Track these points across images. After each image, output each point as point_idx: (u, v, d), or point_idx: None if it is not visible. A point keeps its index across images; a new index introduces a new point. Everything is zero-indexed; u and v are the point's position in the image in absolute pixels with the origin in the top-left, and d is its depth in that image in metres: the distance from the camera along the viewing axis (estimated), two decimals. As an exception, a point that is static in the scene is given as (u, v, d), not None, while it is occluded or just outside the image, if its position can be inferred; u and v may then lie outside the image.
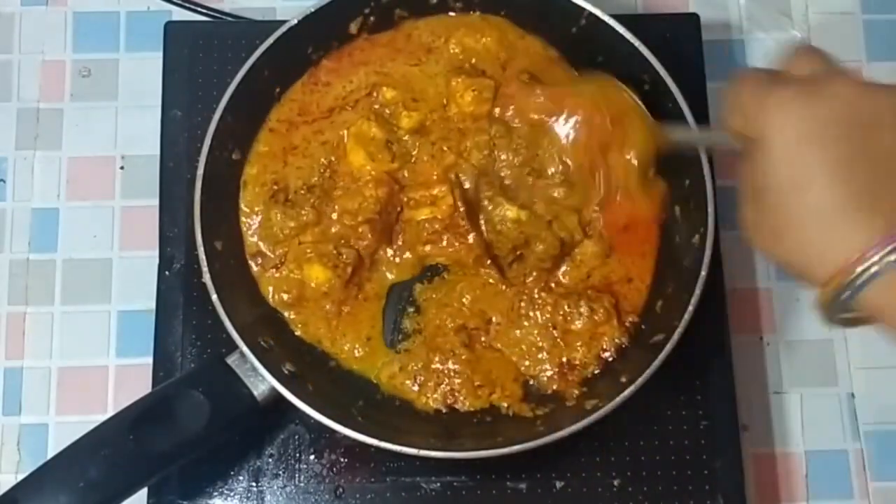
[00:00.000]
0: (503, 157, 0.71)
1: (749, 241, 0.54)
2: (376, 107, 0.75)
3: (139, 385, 0.71)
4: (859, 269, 0.48)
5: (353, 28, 0.76)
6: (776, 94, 0.51)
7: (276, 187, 0.73)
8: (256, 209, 0.73)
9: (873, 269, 0.48)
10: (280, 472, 0.72)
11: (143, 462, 0.64)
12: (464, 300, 0.73)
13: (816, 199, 0.49)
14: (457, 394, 0.71)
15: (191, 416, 0.64)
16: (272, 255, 0.73)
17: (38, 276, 0.78)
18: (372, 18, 0.76)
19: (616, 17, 0.73)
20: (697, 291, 0.67)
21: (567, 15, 0.74)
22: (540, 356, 0.71)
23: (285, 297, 0.72)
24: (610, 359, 0.71)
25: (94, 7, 0.85)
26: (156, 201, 0.77)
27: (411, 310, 0.73)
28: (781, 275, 0.80)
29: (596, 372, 0.71)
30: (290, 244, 0.73)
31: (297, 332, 0.72)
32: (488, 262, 0.72)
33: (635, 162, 0.68)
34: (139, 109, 0.81)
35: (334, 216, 0.73)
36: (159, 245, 0.76)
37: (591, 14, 0.73)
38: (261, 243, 0.73)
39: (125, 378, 0.76)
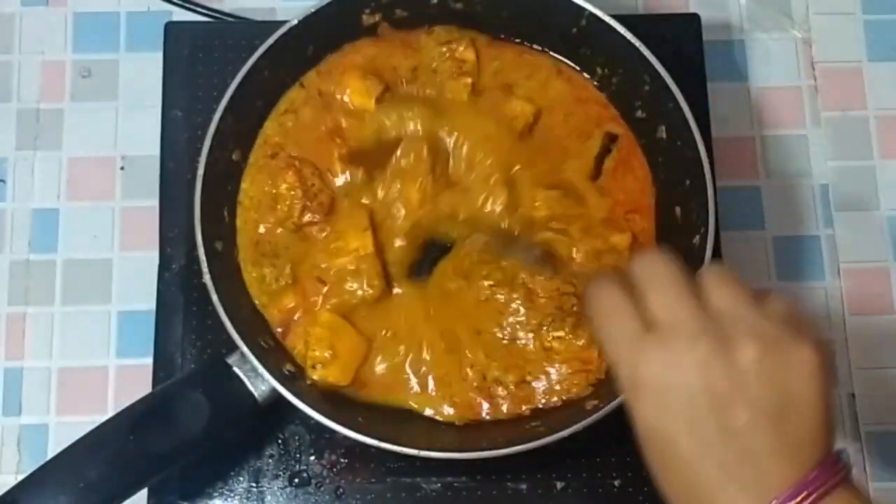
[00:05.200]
0: None
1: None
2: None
3: (139, 385, 0.71)
4: None
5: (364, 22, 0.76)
6: (651, 352, 0.50)
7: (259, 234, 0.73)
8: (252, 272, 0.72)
9: None
10: (280, 473, 0.72)
11: (143, 462, 0.64)
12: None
13: (686, 472, 0.50)
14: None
15: (191, 417, 0.64)
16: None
17: (38, 277, 0.78)
18: (371, 19, 0.76)
19: (616, 17, 0.73)
20: (698, 292, 0.67)
21: (567, 15, 0.74)
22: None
23: (323, 354, 0.70)
24: (575, 397, 0.70)
25: (94, 7, 0.84)
26: (156, 201, 0.77)
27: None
28: (781, 275, 0.80)
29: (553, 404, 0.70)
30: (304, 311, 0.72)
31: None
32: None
33: None
34: (139, 109, 0.81)
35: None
36: (159, 245, 0.76)
37: (591, 14, 0.73)
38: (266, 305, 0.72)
39: (125, 378, 0.76)
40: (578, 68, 0.77)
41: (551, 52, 0.78)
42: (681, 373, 0.49)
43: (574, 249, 0.72)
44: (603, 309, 0.53)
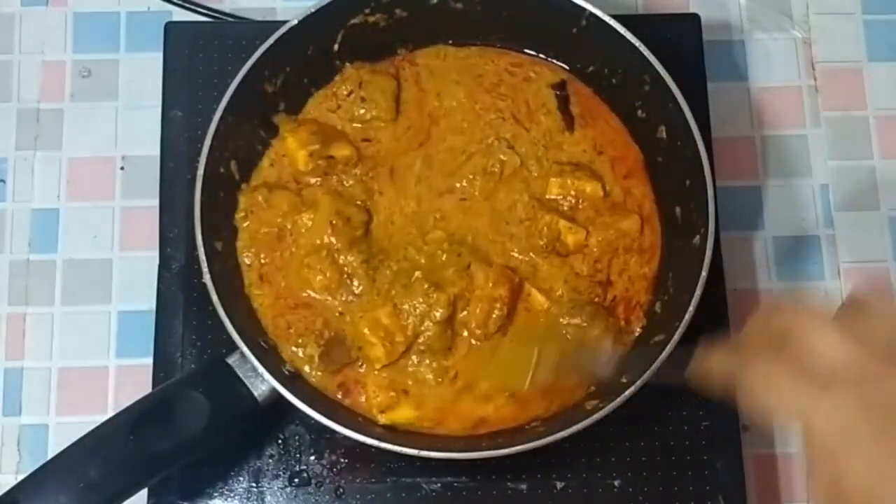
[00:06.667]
0: None
1: None
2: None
3: (139, 385, 0.71)
4: None
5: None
6: (829, 398, 0.48)
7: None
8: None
9: None
10: (280, 473, 0.72)
11: (143, 462, 0.64)
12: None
13: None
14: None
15: (191, 417, 0.64)
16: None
17: (38, 277, 0.78)
18: (371, 19, 0.76)
19: (616, 17, 0.73)
20: (698, 292, 0.67)
21: (568, 16, 0.74)
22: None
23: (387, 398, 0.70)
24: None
25: (94, 7, 0.85)
26: (156, 201, 0.77)
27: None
28: (781, 275, 0.80)
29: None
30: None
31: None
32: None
33: None
34: (139, 109, 0.81)
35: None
36: (159, 245, 0.76)
37: (591, 14, 0.73)
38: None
39: (125, 378, 0.76)
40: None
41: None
42: (876, 417, 0.47)
43: (585, 237, 0.73)
44: (767, 378, 0.51)
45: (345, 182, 0.74)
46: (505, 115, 0.77)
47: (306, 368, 0.70)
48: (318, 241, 0.72)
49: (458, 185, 0.75)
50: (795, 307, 0.52)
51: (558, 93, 0.77)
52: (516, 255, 0.73)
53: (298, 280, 0.72)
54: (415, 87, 0.78)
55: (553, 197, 0.74)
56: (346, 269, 0.71)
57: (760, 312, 0.54)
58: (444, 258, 0.72)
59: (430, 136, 0.76)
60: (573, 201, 0.74)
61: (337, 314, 0.71)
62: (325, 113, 0.77)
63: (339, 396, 0.70)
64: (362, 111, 0.76)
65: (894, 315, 0.50)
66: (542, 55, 0.78)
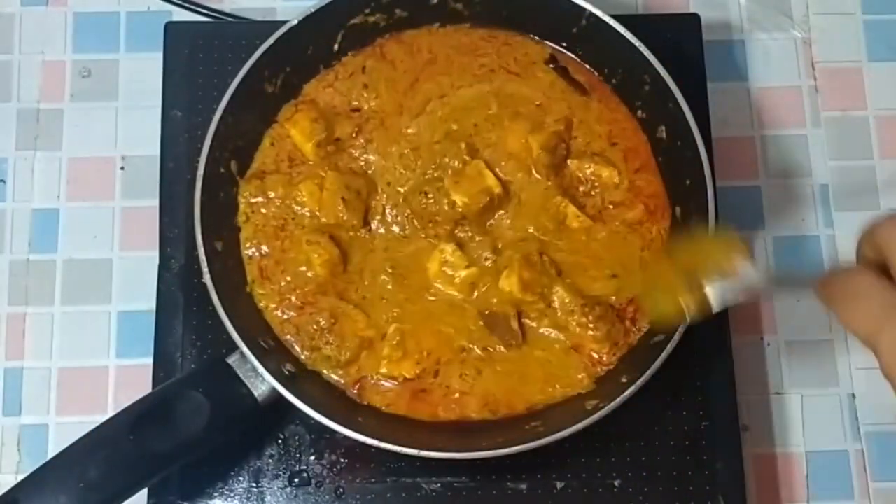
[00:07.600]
0: None
1: None
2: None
3: (139, 385, 0.71)
4: None
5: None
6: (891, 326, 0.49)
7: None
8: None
9: None
10: (280, 473, 0.72)
11: (143, 462, 0.64)
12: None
13: None
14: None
15: (191, 417, 0.64)
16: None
17: (38, 277, 0.78)
18: (371, 18, 0.76)
19: (616, 17, 0.73)
20: (698, 292, 0.67)
21: (568, 15, 0.74)
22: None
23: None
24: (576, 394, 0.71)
25: (94, 7, 0.85)
26: (156, 201, 0.77)
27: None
28: (782, 275, 0.80)
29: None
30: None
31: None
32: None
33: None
34: (139, 109, 0.81)
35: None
36: (159, 245, 0.76)
37: (591, 14, 0.73)
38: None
39: (125, 378, 0.76)
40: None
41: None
42: None
43: (592, 231, 0.73)
44: (845, 293, 0.52)
45: (352, 153, 0.74)
46: (494, 68, 0.77)
47: (325, 370, 0.70)
48: (328, 221, 0.72)
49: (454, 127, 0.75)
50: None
51: (553, 66, 0.77)
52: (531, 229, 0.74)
53: (297, 268, 0.72)
54: (403, 48, 0.77)
55: (571, 178, 0.74)
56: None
57: (868, 225, 0.53)
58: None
59: (423, 72, 0.77)
60: (587, 187, 0.74)
61: (339, 300, 0.71)
62: (323, 90, 0.76)
63: (355, 391, 0.70)
64: (364, 95, 0.76)
65: None
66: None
